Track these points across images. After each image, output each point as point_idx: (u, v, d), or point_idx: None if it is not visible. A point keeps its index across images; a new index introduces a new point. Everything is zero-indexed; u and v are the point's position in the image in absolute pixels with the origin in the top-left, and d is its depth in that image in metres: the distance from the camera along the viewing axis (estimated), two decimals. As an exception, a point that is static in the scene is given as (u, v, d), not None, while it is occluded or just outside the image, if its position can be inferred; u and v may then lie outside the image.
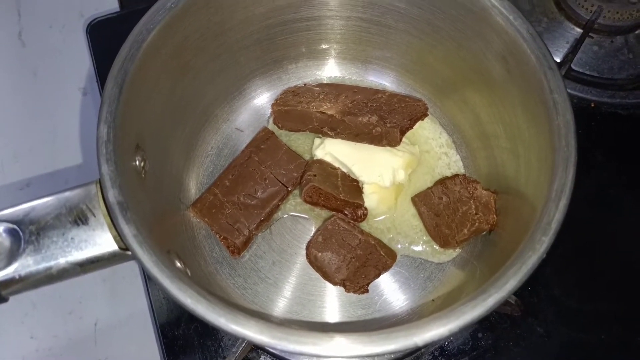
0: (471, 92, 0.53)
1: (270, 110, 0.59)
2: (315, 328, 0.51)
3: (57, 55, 0.76)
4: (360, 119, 0.53)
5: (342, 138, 0.55)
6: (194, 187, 0.56)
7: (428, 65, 0.56)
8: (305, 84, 0.60)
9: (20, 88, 0.74)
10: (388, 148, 0.55)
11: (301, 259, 0.55)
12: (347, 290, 0.52)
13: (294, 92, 0.57)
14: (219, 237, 0.53)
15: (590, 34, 0.65)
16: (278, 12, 0.53)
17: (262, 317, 0.35)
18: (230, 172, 0.55)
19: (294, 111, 0.55)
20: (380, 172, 0.54)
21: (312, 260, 0.53)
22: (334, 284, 0.52)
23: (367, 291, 0.52)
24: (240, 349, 0.52)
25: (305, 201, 0.54)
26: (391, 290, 0.53)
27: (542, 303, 0.56)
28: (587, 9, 0.65)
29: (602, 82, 0.65)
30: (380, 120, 0.53)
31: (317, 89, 0.57)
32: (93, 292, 0.62)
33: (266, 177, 0.54)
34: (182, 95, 0.51)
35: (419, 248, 0.54)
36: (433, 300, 0.51)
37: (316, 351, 0.33)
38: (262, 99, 0.60)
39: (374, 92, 0.56)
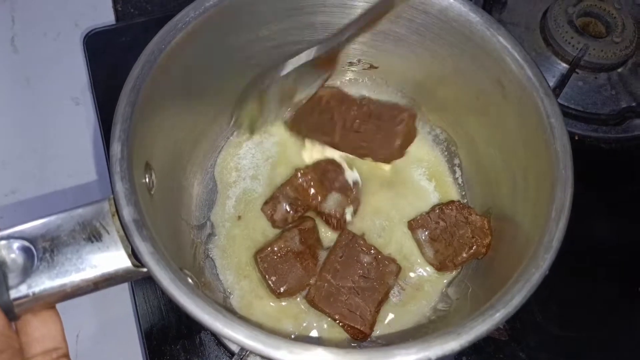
0: (466, 116, 0.55)
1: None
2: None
3: (51, 63, 0.75)
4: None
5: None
6: (193, 204, 0.56)
7: (423, 88, 0.58)
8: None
9: (12, 94, 0.73)
10: None
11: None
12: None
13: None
14: (342, 325, 0.51)
15: (576, 69, 0.68)
16: (281, 35, 0.54)
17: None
18: (337, 254, 0.53)
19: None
20: None
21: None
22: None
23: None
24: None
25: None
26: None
27: (525, 329, 0.57)
28: (573, 46, 0.68)
29: (585, 117, 0.68)
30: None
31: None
32: (77, 303, 0.61)
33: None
34: (186, 113, 0.52)
35: (412, 274, 0.55)
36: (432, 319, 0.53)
37: None
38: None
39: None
